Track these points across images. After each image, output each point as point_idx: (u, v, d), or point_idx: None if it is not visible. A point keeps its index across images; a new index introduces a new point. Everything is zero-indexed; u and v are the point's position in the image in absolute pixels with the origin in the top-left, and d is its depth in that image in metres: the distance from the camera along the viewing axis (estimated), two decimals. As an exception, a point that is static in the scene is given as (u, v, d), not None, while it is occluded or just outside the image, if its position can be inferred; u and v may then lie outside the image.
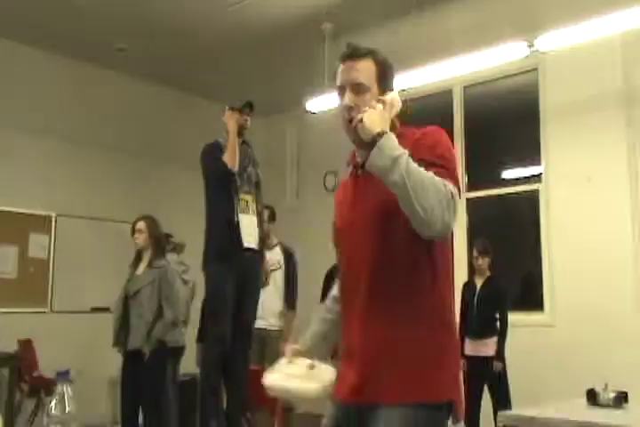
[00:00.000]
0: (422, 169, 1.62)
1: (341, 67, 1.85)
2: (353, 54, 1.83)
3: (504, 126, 6.26)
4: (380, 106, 1.75)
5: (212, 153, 4.01)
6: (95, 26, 5.76)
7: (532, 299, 5.64)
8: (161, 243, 4.59)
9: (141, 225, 4.52)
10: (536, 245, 5.56)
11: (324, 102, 5.88)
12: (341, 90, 1.84)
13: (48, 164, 6.19)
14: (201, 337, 5.09)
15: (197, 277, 4.68)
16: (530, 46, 4.79)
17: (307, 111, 6.14)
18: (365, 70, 1.82)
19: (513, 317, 5.04)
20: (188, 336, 5.09)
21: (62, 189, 6.22)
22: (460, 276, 5.97)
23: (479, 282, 5.21)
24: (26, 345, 5.63)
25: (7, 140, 5.96)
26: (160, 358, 4.40)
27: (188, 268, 5.22)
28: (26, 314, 5.95)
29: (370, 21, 5.51)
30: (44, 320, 6.10)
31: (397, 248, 1.74)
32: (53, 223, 6.20)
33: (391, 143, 1.64)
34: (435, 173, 1.64)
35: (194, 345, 5.21)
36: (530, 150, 5.78)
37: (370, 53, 1.84)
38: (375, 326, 1.74)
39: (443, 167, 1.69)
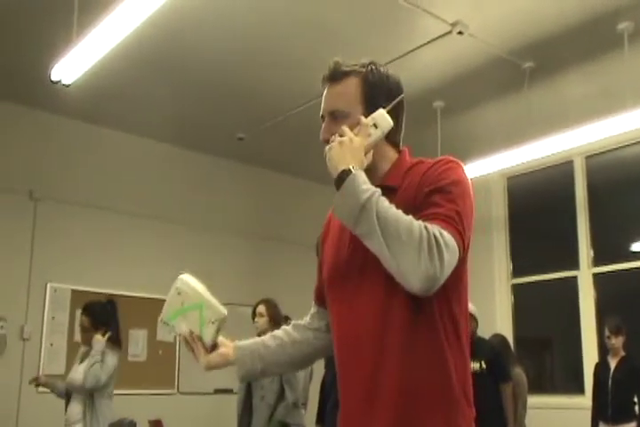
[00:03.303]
0: (396, 212, 1.31)
1: (324, 92, 1.57)
2: (332, 76, 1.54)
3: (632, 195, 6.03)
4: (348, 132, 1.43)
5: None
6: (220, 119, 6.13)
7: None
8: (281, 326, 4.65)
9: (262, 309, 4.61)
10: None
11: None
12: (322, 120, 1.56)
13: (172, 251, 6.50)
14: (320, 419, 5.05)
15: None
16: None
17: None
18: (346, 93, 1.51)
19: (652, 400, 4.70)
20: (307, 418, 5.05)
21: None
22: (591, 356, 5.66)
23: (613, 362, 4.92)
24: (156, 425, 5.77)
25: (139, 231, 6.33)
26: (282, 440, 4.40)
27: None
28: (155, 395, 6.13)
29: (482, 96, 5.56)
30: (171, 401, 6.26)
31: (408, 307, 1.38)
32: (179, 307, 6.41)
33: (356, 185, 1.33)
34: (427, 216, 1.34)
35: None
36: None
37: (353, 71, 1.53)
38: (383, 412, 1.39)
39: (437, 206, 1.36)
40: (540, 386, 6.17)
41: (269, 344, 1.68)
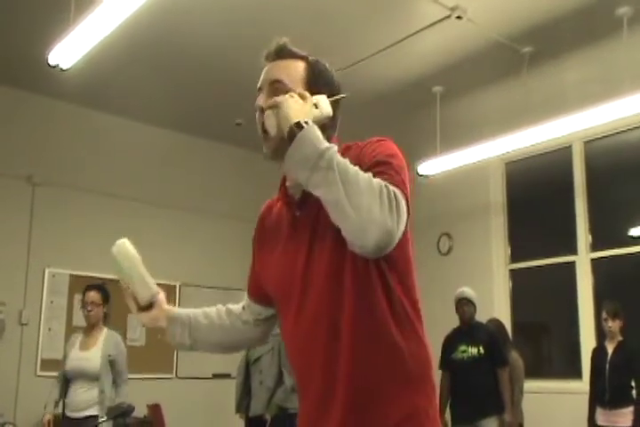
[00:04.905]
0: (353, 166, 1.26)
1: (265, 67, 1.52)
2: (280, 52, 1.51)
3: (630, 180, 6.02)
4: (298, 98, 1.38)
5: None
6: (218, 104, 6.11)
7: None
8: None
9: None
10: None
11: (436, 165, 5.90)
12: (259, 93, 1.49)
13: (171, 236, 6.50)
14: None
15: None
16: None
17: (419, 175, 6.17)
18: (292, 70, 1.47)
19: (649, 384, 4.72)
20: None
21: (185, 260, 6.49)
22: (588, 341, 5.69)
23: (610, 347, 4.93)
24: (155, 410, 5.80)
25: (137, 216, 6.34)
26: (281, 423, 4.42)
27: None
28: (154, 380, 6.16)
29: (481, 81, 5.54)
30: (170, 386, 6.29)
31: (361, 304, 1.36)
32: (177, 292, 6.48)
33: (314, 135, 1.27)
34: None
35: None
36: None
37: (301, 55, 1.51)
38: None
39: (383, 173, 1.31)
40: (537, 371, 6.19)
41: (201, 322, 1.65)
